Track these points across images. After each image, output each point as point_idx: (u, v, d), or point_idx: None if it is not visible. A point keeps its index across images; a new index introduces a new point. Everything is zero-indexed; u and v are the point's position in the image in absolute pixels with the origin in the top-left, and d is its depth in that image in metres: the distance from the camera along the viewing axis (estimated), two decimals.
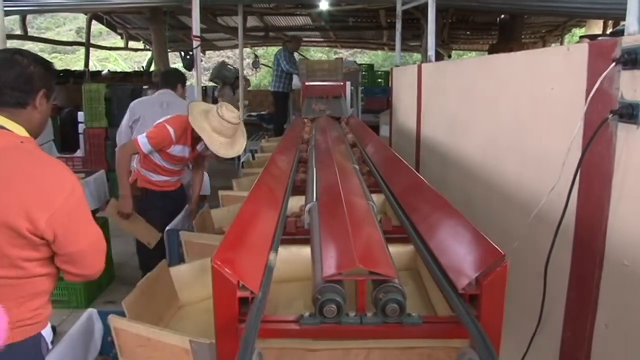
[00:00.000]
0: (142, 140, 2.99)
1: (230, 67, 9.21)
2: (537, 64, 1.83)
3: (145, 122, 3.86)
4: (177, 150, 3.09)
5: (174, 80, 4.19)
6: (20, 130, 1.56)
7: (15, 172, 1.48)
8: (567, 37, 11.62)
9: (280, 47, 8.32)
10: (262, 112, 9.87)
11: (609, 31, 8.45)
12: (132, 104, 4.18)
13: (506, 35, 8.77)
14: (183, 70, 7.76)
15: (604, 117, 1.38)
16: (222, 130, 2.95)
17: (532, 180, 1.84)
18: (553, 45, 11.04)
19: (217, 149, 2.97)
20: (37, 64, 1.60)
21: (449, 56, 12.54)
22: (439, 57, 5.83)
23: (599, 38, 1.49)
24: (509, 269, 1.03)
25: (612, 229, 1.41)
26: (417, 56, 14.63)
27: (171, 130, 3.00)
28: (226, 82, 8.96)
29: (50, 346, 1.67)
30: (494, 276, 1.02)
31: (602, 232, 1.43)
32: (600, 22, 8.84)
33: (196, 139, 3.08)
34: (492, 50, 8.73)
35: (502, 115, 2.14)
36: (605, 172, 1.41)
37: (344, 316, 1.05)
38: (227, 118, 2.93)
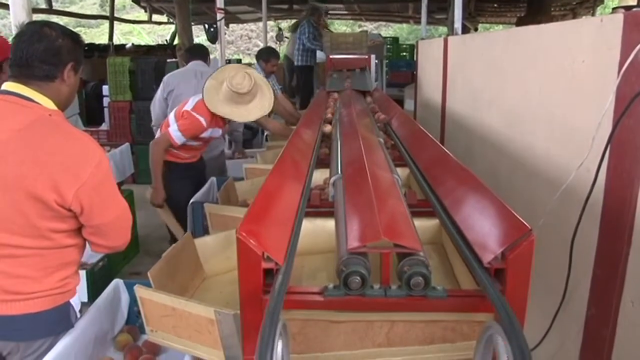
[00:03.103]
0: (175, 134, 3.07)
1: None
2: (568, 36, 1.78)
3: (180, 92, 4.00)
4: (208, 133, 3.17)
5: (204, 52, 4.39)
6: (48, 103, 1.58)
7: (44, 145, 1.50)
8: (599, 9, 11.26)
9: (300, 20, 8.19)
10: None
11: None
12: (165, 77, 4.28)
13: (535, 8, 8.51)
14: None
15: (638, 90, 1.34)
16: (238, 100, 3.02)
17: (560, 155, 1.81)
18: (584, 17, 10.74)
19: (236, 117, 3.10)
20: (66, 36, 1.61)
21: (476, 29, 12.29)
22: (465, 30, 5.73)
23: (635, 9, 1.43)
24: (535, 243, 1.01)
25: None
26: (442, 29, 14.35)
27: (202, 119, 3.05)
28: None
29: (78, 315, 1.72)
30: (520, 250, 1.01)
31: (632, 208, 1.40)
32: None
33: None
34: (520, 23, 8.50)
35: (531, 89, 2.09)
36: (636, 148, 1.38)
37: (368, 288, 1.05)
38: (237, 89, 2.98)
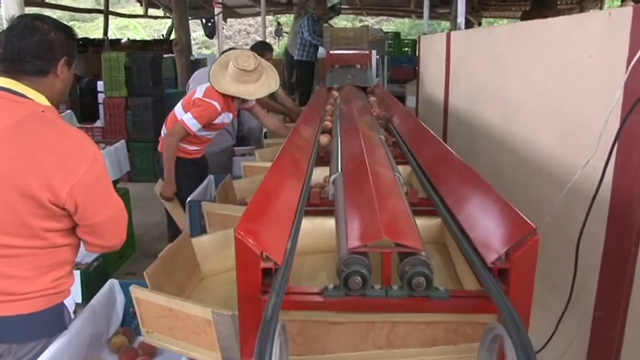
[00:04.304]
0: (190, 122, 3.08)
1: None
2: (575, 30, 1.75)
3: (192, 87, 4.09)
4: (221, 118, 3.19)
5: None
6: (41, 99, 1.55)
7: (37, 142, 1.47)
8: (607, 3, 11.19)
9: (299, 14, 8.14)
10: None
11: None
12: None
13: (541, 1, 8.42)
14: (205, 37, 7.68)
15: None
16: (245, 79, 3.08)
17: (566, 153, 1.78)
18: (592, 11, 10.67)
19: (245, 95, 3.14)
20: (58, 30, 1.57)
21: (479, 24, 12.25)
22: (468, 24, 5.70)
23: None
24: (540, 243, 0.98)
25: None
26: (445, 24, 14.34)
27: (215, 104, 3.09)
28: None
29: (72, 316, 1.69)
30: (524, 250, 0.98)
31: None
32: None
33: (234, 99, 3.21)
34: (525, 17, 8.41)
35: (536, 84, 2.06)
36: None
37: (369, 289, 1.03)
38: (244, 67, 3.05)
